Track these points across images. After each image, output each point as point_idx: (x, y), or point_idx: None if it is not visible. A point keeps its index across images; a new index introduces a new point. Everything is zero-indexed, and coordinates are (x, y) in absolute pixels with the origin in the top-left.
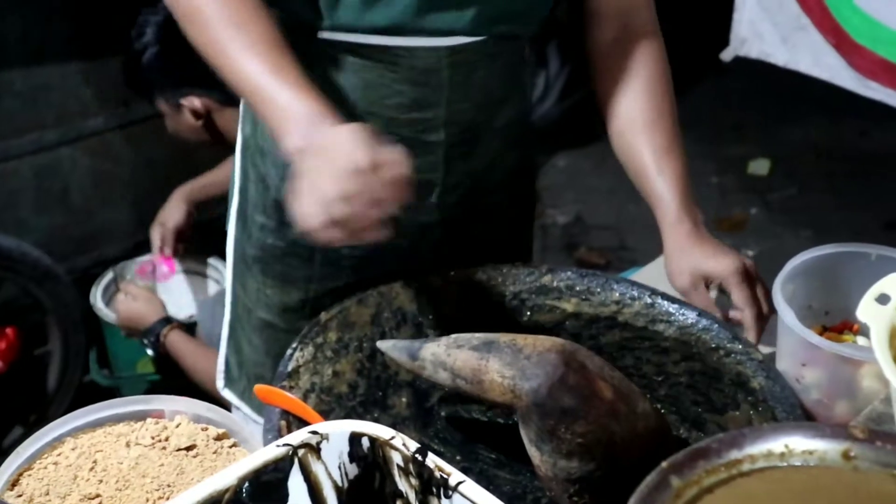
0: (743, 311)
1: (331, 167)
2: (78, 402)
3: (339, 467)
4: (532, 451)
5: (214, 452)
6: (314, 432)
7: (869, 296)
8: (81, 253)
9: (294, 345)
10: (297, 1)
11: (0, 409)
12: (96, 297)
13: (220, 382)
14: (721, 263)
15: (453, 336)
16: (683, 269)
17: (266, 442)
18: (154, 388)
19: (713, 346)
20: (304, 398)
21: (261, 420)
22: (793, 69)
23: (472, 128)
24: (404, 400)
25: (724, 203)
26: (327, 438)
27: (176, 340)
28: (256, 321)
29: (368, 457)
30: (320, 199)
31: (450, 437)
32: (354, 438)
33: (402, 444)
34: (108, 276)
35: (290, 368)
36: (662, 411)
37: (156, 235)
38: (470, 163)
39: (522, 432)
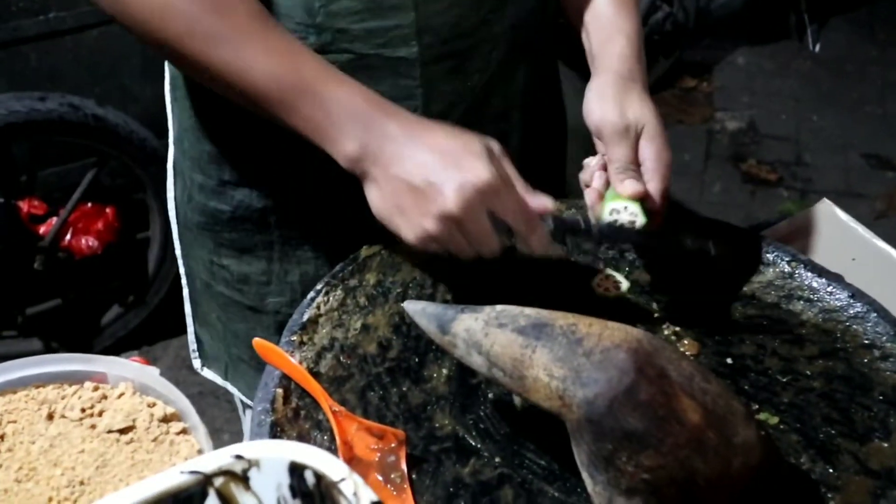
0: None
1: (416, 205)
2: (177, 289)
3: (280, 502)
4: (584, 476)
5: (154, 440)
6: (239, 457)
7: None
8: None
9: (319, 286)
10: None
11: (99, 288)
12: None
13: (196, 363)
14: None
15: (498, 308)
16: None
17: (255, 416)
18: None
19: (866, 341)
20: (318, 358)
21: (251, 403)
22: None
23: (459, 36)
24: (445, 372)
25: None
26: (258, 465)
27: None
28: (217, 297)
29: (314, 495)
30: (412, 230)
31: (493, 429)
32: (295, 469)
33: (354, 492)
34: None
35: (306, 317)
36: (782, 427)
37: None
38: (458, 83)
39: (574, 450)
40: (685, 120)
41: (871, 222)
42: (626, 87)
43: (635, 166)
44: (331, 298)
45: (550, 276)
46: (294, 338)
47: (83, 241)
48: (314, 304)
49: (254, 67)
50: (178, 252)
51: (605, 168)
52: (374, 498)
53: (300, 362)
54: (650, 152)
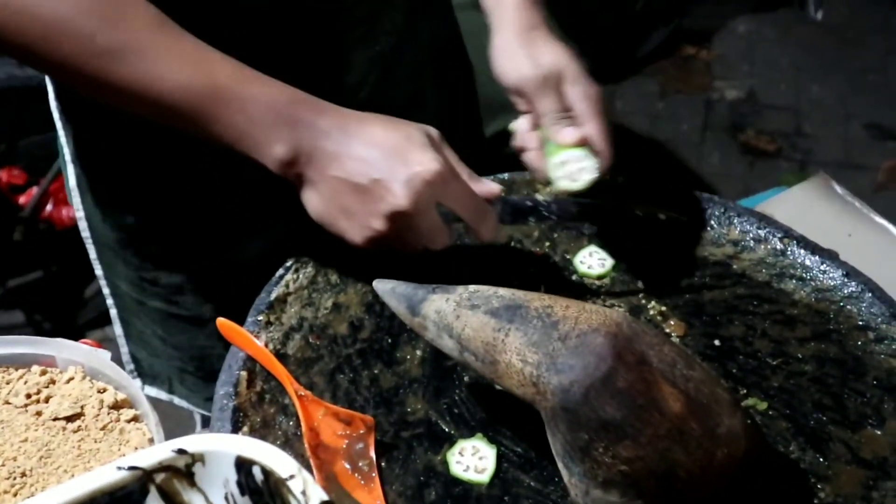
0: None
1: (363, 205)
2: None
3: (227, 498)
4: (560, 466)
5: (103, 428)
6: (181, 451)
7: None
8: None
9: (289, 263)
10: None
11: (81, 259)
12: None
13: (136, 382)
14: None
15: (471, 288)
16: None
17: (217, 401)
18: None
19: (860, 323)
20: (285, 339)
21: (203, 412)
22: None
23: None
24: (418, 353)
25: None
26: (202, 460)
27: None
28: (152, 313)
29: (263, 491)
30: (360, 232)
31: (468, 413)
32: (242, 464)
33: (302, 490)
34: None
35: (274, 296)
36: (771, 413)
37: None
38: (369, 50)
39: (549, 440)
40: (683, 89)
41: (871, 195)
42: (530, 36)
43: (566, 113)
44: (301, 276)
45: (532, 255)
46: (260, 318)
47: (64, 211)
48: (283, 282)
49: (162, 78)
50: (98, 273)
51: (536, 127)
52: (324, 497)
53: (266, 344)
54: (576, 94)
